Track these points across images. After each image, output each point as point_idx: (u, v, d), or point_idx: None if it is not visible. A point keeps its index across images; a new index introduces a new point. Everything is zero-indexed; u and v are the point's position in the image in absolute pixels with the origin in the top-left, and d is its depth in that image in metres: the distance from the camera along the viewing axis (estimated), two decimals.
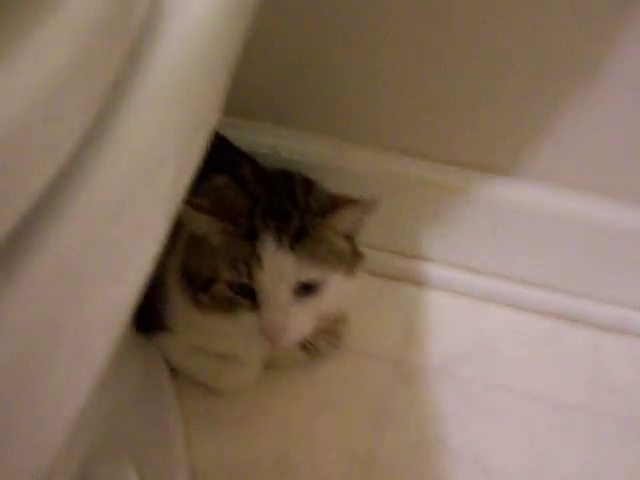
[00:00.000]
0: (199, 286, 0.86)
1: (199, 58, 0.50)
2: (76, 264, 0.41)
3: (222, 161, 1.00)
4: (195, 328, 0.94)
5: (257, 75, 1.08)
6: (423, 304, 1.14)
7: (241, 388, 1.01)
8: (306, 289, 0.85)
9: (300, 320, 0.86)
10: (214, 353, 0.99)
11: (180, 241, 0.90)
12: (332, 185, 0.95)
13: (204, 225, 0.84)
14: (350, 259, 0.90)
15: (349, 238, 0.89)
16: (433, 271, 1.15)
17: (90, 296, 0.44)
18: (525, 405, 1.03)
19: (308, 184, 0.92)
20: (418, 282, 1.16)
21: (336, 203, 0.88)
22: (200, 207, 0.83)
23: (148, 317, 0.97)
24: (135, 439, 0.91)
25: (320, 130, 1.10)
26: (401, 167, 1.09)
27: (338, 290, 0.89)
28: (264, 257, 0.82)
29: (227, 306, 0.85)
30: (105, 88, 0.41)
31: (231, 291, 0.84)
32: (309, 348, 1.01)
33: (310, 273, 0.85)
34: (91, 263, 0.43)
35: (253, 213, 0.85)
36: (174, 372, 1.01)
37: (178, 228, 0.90)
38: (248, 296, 0.84)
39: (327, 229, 0.86)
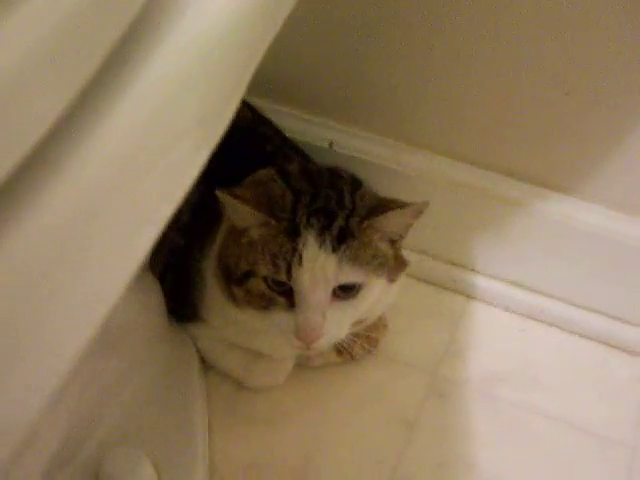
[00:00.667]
0: (235, 280, 0.84)
1: (223, 32, 0.48)
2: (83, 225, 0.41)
3: (272, 153, 0.98)
4: (228, 322, 0.92)
5: (320, 68, 1.07)
6: (468, 317, 1.11)
7: (270, 385, 0.99)
8: (345, 292, 0.83)
9: (336, 323, 0.83)
10: (245, 349, 0.98)
11: (220, 233, 0.89)
12: (385, 187, 0.92)
13: (245, 217, 0.82)
14: (392, 264, 0.87)
15: (393, 243, 0.86)
16: (482, 284, 1.12)
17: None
18: (562, 434, 0.99)
19: (356, 184, 0.90)
20: (465, 294, 1.12)
21: (383, 205, 0.85)
22: (242, 198, 0.81)
23: (184, 307, 0.97)
24: (154, 428, 0.90)
25: (378, 129, 1.07)
26: (459, 174, 1.06)
27: (378, 295, 0.86)
28: (305, 256, 0.80)
29: (262, 303, 0.83)
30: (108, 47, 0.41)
31: (267, 287, 0.82)
32: (343, 352, 0.99)
33: (350, 276, 0.82)
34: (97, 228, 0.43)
35: (296, 209, 0.83)
36: (205, 363, 1.00)
37: (219, 220, 0.89)
38: (284, 294, 0.82)
39: (372, 232, 0.83)
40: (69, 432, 0.85)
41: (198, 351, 0.99)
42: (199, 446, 0.90)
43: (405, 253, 0.92)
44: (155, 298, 0.95)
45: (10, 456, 0.43)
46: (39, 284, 0.40)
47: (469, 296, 1.12)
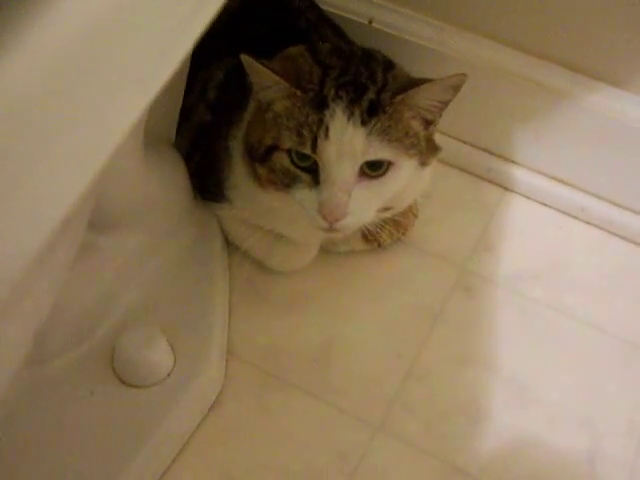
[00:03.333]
0: (258, 157, 0.81)
1: None
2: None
3: (305, 29, 0.93)
4: (253, 203, 0.89)
5: None
6: (503, 210, 1.07)
7: (292, 269, 0.97)
8: (373, 170, 0.79)
9: (362, 203, 0.79)
10: (269, 231, 0.95)
11: (247, 113, 0.85)
12: (423, 70, 0.86)
13: (269, 86, 0.78)
14: (424, 147, 0.82)
15: (427, 124, 0.82)
16: (520, 176, 1.07)
17: None
18: (591, 338, 0.96)
19: (389, 65, 0.84)
20: (502, 185, 1.08)
21: (416, 81, 0.80)
22: (269, 67, 0.77)
23: (210, 186, 0.94)
24: (173, 307, 0.89)
25: (422, 7, 1.00)
26: (505, 60, 0.99)
27: (407, 178, 0.82)
28: (332, 128, 0.76)
29: (285, 180, 0.80)
30: None
31: (291, 163, 0.79)
32: (370, 239, 0.96)
33: (379, 152, 0.77)
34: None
35: (324, 82, 0.79)
36: (228, 243, 0.98)
37: (246, 99, 0.86)
38: (308, 171, 0.78)
39: (404, 107, 0.79)
40: (87, 308, 0.84)
41: (222, 231, 0.98)
42: (217, 326, 0.89)
43: (442, 139, 0.87)
44: (180, 176, 0.93)
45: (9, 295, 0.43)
46: (34, 121, 0.41)
47: (506, 188, 1.08)
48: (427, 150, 0.83)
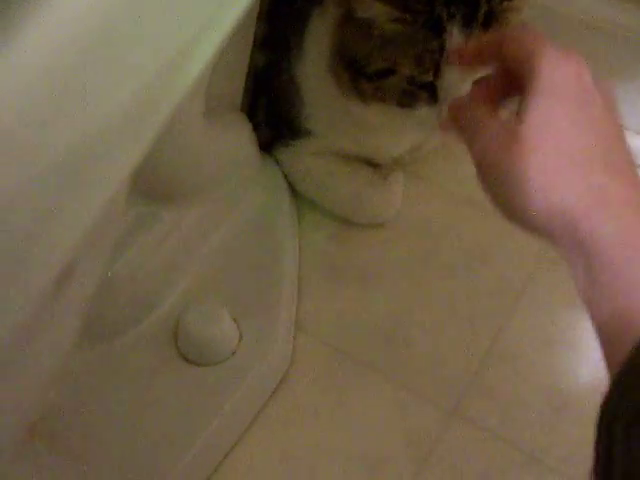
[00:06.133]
0: (366, 75, 0.77)
1: None
2: None
3: None
4: (341, 124, 0.87)
5: None
6: None
7: (381, 218, 0.94)
8: None
9: None
10: (356, 158, 0.92)
11: (322, 26, 0.81)
12: None
13: (374, 10, 0.73)
14: None
15: None
16: None
17: None
18: None
19: None
20: None
21: None
22: None
23: (284, 126, 0.91)
24: (239, 280, 0.86)
25: None
26: None
27: None
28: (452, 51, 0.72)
29: (400, 99, 0.77)
30: None
31: (408, 84, 0.75)
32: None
33: None
34: None
35: (434, 2, 0.73)
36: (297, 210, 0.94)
37: (305, 18, 0.83)
38: (426, 88, 0.75)
39: (512, 12, 0.74)
40: (149, 283, 0.82)
41: (295, 191, 0.94)
42: (284, 300, 0.86)
43: None
44: (246, 142, 0.88)
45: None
46: None
47: None
48: None
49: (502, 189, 0.52)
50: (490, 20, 0.73)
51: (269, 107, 0.92)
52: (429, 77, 0.73)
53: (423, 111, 0.76)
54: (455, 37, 0.72)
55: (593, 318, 0.49)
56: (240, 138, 0.88)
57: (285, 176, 0.94)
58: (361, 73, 0.77)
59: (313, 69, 0.84)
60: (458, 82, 0.73)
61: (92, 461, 0.75)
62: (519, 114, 0.51)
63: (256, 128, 0.92)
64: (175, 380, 0.80)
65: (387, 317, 0.89)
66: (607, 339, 0.48)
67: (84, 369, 0.78)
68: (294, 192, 0.94)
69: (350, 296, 0.90)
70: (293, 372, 0.85)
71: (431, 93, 0.75)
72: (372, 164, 0.95)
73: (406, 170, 0.97)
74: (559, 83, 0.51)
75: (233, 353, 0.82)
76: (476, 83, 0.61)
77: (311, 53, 0.84)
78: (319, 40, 0.82)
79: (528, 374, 0.86)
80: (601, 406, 0.43)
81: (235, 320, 0.83)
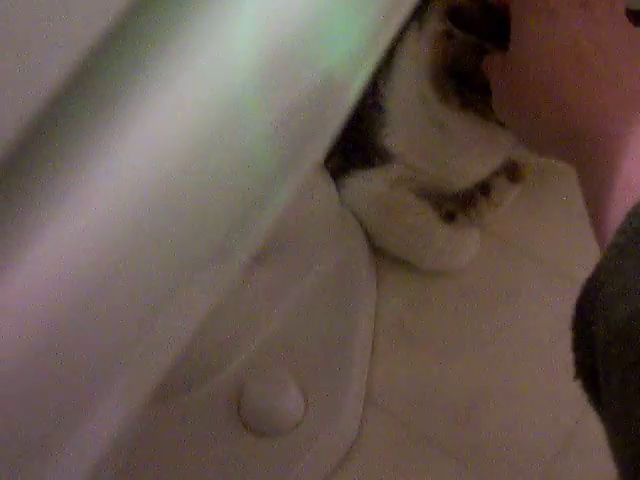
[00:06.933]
0: (474, 87, 0.75)
1: None
2: None
3: None
4: (425, 142, 0.84)
5: None
6: None
7: (452, 266, 0.89)
8: None
9: None
10: (439, 180, 0.88)
11: (420, 40, 0.79)
12: None
13: None
14: None
15: None
16: None
17: None
18: None
19: None
20: None
21: None
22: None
23: (360, 153, 0.87)
24: (308, 345, 0.82)
25: None
26: None
27: None
28: None
29: None
30: None
31: None
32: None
33: None
34: None
35: None
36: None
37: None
38: None
39: None
40: (214, 343, 0.78)
41: (375, 251, 0.89)
42: (356, 372, 0.81)
43: None
44: (329, 197, 0.84)
45: None
46: None
47: None
48: None
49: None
50: None
51: (345, 135, 0.88)
52: None
53: None
54: None
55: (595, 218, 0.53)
56: (321, 194, 0.83)
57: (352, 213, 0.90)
58: (469, 86, 0.75)
59: (403, 84, 0.82)
60: None
61: None
62: None
63: (328, 158, 0.88)
64: (234, 449, 0.77)
65: (463, 392, 0.83)
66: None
67: (140, 430, 0.75)
68: (375, 252, 0.89)
69: (424, 368, 0.85)
70: (358, 445, 0.81)
71: None
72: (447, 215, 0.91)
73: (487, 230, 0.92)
74: None
75: (297, 425, 0.78)
76: None
77: (403, 68, 0.82)
78: (415, 54, 0.80)
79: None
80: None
81: (302, 389, 0.78)
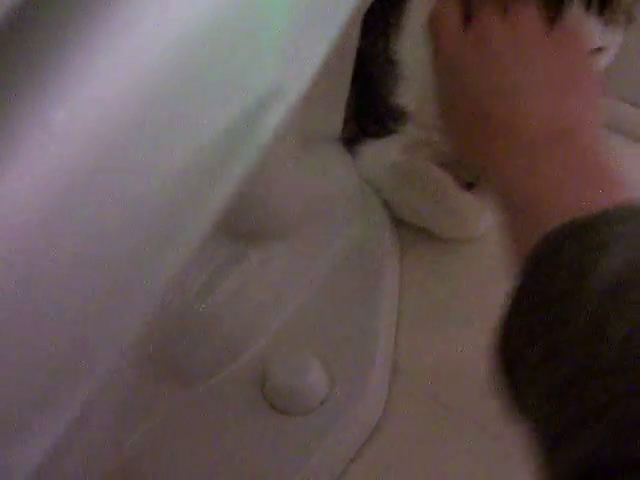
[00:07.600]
0: None
1: None
2: None
3: None
4: None
5: None
6: None
7: (465, 235, 0.87)
8: None
9: None
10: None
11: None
12: None
13: None
14: None
15: None
16: None
17: None
18: None
19: None
20: None
21: None
22: None
23: (378, 116, 0.85)
24: (330, 322, 0.81)
25: None
26: None
27: None
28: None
29: None
30: None
31: None
32: None
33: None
34: None
35: None
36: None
37: None
38: None
39: None
40: (236, 325, 0.78)
41: (398, 225, 0.87)
42: (381, 346, 0.80)
43: None
44: (346, 177, 0.83)
45: None
46: None
47: None
48: None
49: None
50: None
51: (359, 99, 0.87)
52: None
53: None
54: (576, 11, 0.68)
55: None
56: (340, 173, 0.82)
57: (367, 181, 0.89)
58: None
59: (416, 39, 0.80)
60: None
61: None
62: None
63: (344, 125, 0.86)
64: (260, 428, 0.77)
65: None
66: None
67: (165, 415, 0.76)
68: (397, 225, 0.88)
69: (451, 339, 0.84)
70: (386, 420, 0.80)
71: None
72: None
73: None
74: None
75: (323, 401, 0.78)
76: None
77: (414, 21, 0.80)
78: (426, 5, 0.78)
79: None
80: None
81: (327, 365, 0.78)
